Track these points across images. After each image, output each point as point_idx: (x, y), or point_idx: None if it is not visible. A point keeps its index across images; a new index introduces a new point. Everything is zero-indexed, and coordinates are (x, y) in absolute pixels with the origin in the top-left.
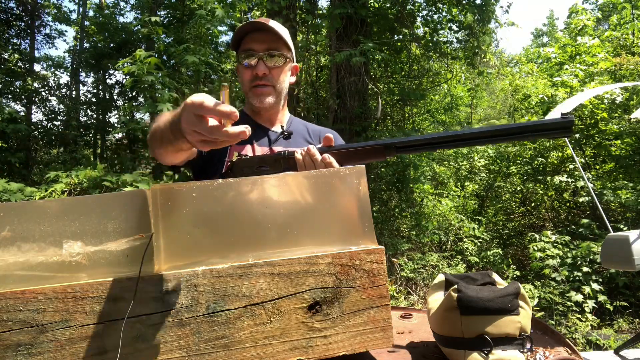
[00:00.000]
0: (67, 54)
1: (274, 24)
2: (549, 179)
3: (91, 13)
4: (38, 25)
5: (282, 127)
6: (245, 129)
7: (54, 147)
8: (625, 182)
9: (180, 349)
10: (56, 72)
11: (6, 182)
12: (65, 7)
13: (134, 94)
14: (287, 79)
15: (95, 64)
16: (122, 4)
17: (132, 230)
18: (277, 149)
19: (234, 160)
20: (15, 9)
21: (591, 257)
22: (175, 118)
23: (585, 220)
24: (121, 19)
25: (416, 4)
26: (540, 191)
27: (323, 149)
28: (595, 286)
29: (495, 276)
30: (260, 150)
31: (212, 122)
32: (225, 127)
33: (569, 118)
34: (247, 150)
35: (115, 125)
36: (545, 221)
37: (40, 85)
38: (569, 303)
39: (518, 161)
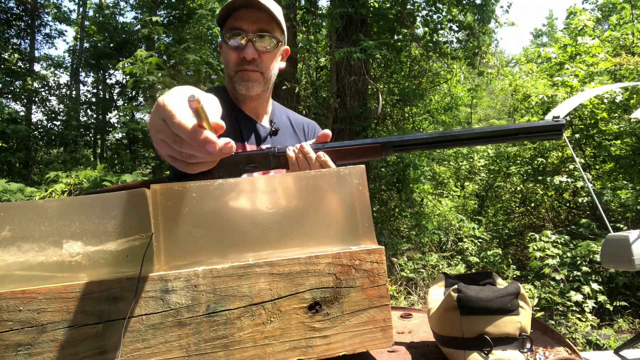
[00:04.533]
0: (67, 54)
1: (267, 1)
2: (549, 179)
3: (91, 13)
4: (38, 25)
5: (271, 122)
6: (230, 142)
7: (54, 147)
8: (625, 182)
9: (180, 349)
10: (56, 72)
11: (6, 182)
12: (65, 7)
13: (133, 94)
14: (277, 66)
15: (95, 64)
16: (122, 3)
17: (132, 230)
18: (265, 146)
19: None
20: (15, 8)
21: (591, 257)
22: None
23: (585, 220)
24: (121, 19)
25: (416, 4)
26: (540, 191)
27: (317, 146)
28: (595, 286)
29: (495, 276)
30: (250, 148)
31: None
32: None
33: (559, 121)
34: (238, 147)
35: (115, 125)
36: (545, 221)
37: (40, 85)
38: (569, 303)
39: (518, 161)
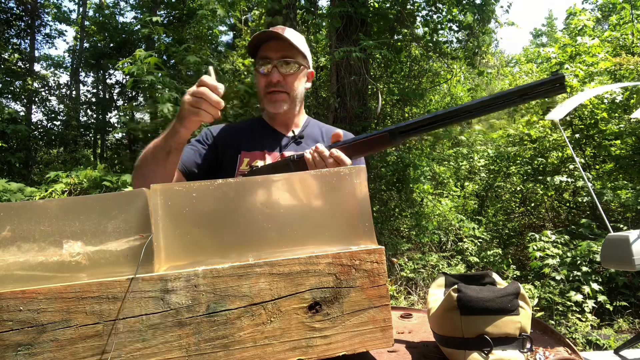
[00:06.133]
0: (67, 54)
1: (289, 33)
2: (549, 179)
3: (91, 13)
4: (38, 25)
5: (293, 132)
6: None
7: (54, 147)
8: (625, 182)
9: (180, 349)
10: (56, 72)
11: (6, 182)
12: (65, 7)
13: (134, 94)
14: (301, 85)
15: (95, 64)
16: (122, 3)
17: (132, 230)
18: (288, 154)
19: (246, 173)
20: (15, 9)
21: (591, 257)
22: (177, 116)
23: (585, 220)
24: (121, 19)
25: (416, 4)
26: (540, 191)
27: (330, 145)
28: (595, 286)
29: (495, 276)
30: (271, 158)
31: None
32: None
33: (559, 75)
34: (257, 156)
35: (115, 125)
36: (545, 221)
37: (40, 85)
38: (569, 303)
39: (518, 161)
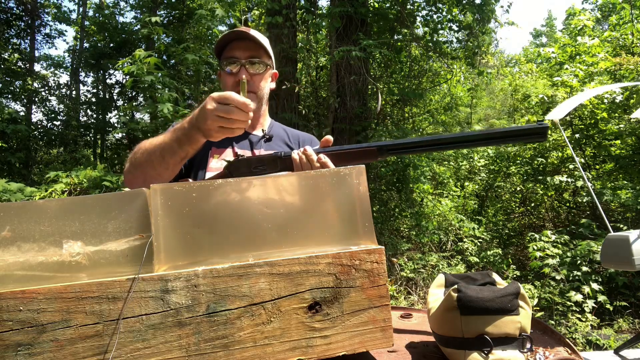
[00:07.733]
0: (67, 54)
1: (255, 33)
2: (549, 179)
3: (91, 13)
4: (38, 25)
5: (263, 130)
6: (250, 104)
7: (54, 147)
8: (625, 182)
9: (180, 349)
10: (56, 72)
11: (6, 182)
12: (65, 6)
13: (134, 94)
14: (267, 85)
15: (95, 64)
16: (122, 3)
17: (132, 230)
18: (258, 151)
19: (232, 160)
20: (15, 8)
21: (591, 257)
22: (188, 123)
23: (585, 220)
24: (121, 19)
25: (416, 4)
26: (540, 191)
27: (319, 149)
28: (595, 286)
29: (495, 276)
30: (241, 152)
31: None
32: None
33: (543, 125)
34: (228, 154)
35: (115, 125)
36: (545, 221)
37: (40, 85)
38: (569, 303)
39: (518, 161)
